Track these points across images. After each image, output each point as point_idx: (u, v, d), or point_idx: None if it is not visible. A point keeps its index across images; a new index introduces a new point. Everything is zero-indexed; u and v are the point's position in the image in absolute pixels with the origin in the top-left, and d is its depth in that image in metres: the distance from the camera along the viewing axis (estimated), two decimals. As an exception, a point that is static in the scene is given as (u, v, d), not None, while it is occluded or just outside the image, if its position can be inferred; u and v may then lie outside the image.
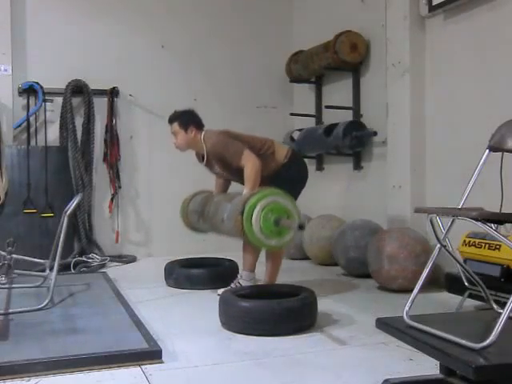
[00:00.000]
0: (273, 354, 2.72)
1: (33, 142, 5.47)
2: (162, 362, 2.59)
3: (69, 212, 3.62)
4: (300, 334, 3.02)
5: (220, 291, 3.83)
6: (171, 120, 3.99)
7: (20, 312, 3.26)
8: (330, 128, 5.17)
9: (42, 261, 4.08)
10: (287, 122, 6.17)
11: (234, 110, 6.07)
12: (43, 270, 3.97)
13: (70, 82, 5.52)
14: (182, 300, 3.94)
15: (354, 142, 4.98)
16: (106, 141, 5.71)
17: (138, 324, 3.05)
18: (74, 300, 3.70)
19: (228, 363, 2.62)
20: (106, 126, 5.72)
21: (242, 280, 3.91)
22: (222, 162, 3.78)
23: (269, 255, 3.88)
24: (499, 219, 2.15)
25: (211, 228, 3.98)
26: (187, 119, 3.93)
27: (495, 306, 2.34)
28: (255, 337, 2.96)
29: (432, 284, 3.71)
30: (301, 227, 3.29)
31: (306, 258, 5.41)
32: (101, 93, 5.65)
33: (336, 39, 5.04)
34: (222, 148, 3.72)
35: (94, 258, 5.28)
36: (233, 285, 3.91)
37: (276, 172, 3.82)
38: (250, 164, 3.63)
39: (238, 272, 4.19)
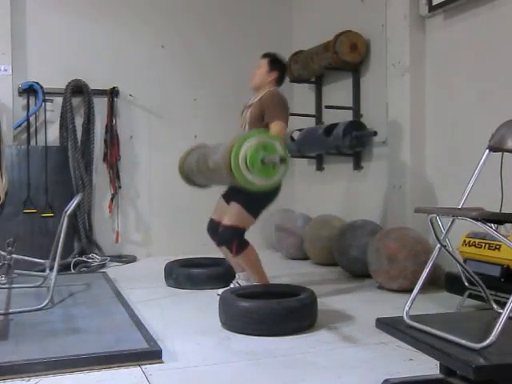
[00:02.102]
0: (273, 353, 2.72)
1: (33, 142, 5.48)
2: (161, 362, 2.59)
3: (69, 212, 3.62)
4: (300, 333, 3.02)
5: (220, 291, 3.83)
6: (266, 55, 4.00)
7: (20, 312, 3.26)
8: (330, 128, 5.17)
9: (41, 261, 4.08)
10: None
11: (234, 110, 6.05)
12: (43, 270, 3.97)
13: (70, 82, 5.52)
14: (182, 300, 3.94)
15: (353, 142, 4.98)
16: (105, 141, 5.71)
17: (138, 324, 3.05)
18: (73, 300, 3.70)
19: (228, 363, 2.62)
20: (106, 126, 5.72)
21: (241, 280, 3.92)
22: (259, 112, 3.76)
23: (243, 265, 3.83)
24: (499, 219, 2.15)
25: (206, 179, 3.89)
26: (277, 66, 3.95)
27: (495, 306, 2.34)
28: (255, 337, 2.96)
29: (432, 284, 3.71)
30: (282, 160, 3.25)
31: (306, 258, 5.42)
32: (101, 93, 5.65)
33: (336, 39, 5.04)
34: (274, 102, 3.74)
35: (94, 258, 5.28)
36: (232, 285, 3.92)
37: None
38: (277, 127, 3.64)
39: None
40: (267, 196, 3.72)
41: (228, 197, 3.88)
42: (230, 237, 3.66)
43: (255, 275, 3.80)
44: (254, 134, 3.39)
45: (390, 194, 4.68)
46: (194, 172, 3.92)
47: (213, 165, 3.54)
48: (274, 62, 3.95)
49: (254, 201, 3.68)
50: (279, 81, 3.97)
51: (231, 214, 3.68)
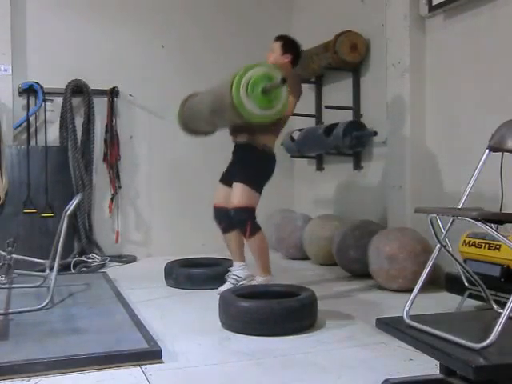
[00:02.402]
0: (273, 354, 2.72)
1: (33, 142, 5.47)
2: (162, 362, 2.59)
3: (69, 212, 3.62)
4: (300, 333, 3.02)
5: (219, 289, 3.86)
6: (279, 38, 4.02)
7: (20, 312, 3.25)
8: (330, 128, 5.17)
9: (42, 261, 4.08)
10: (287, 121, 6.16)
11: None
12: (43, 270, 3.97)
13: (70, 82, 5.52)
14: (182, 300, 3.94)
15: (353, 141, 4.98)
16: (105, 141, 5.71)
17: (138, 324, 3.05)
18: (73, 300, 3.70)
19: (228, 363, 2.63)
20: (106, 126, 5.72)
21: (236, 271, 3.92)
22: None
23: (252, 249, 3.82)
24: (499, 219, 2.15)
25: (207, 121, 3.92)
26: (290, 49, 3.98)
27: (495, 306, 2.34)
28: (255, 337, 2.96)
29: (432, 284, 3.71)
30: (283, 80, 3.34)
31: (306, 258, 5.41)
32: (101, 93, 5.65)
33: (336, 39, 5.04)
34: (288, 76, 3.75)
35: (94, 258, 5.28)
36: (228, 279, 3.91)
37: (261, 152, 3.80)
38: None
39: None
40: (266, 168, 3.80)
41: (227, 179, 3.90)
42: (244, 217, 3.68)
43: (260, 261, 3.79)
44: (261, 64, 3.47)
45: (390, 194, 4.68)
46: (194, 117, 3.95)
47: (215, 98, 3.58)
48: (287, 44, 3.97)
49: (255, 175, 3.75)
50: (294, 63, 4.00)
51: (237, 195, 3.70)
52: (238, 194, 3.70)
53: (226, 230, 3.94)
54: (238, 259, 3.98)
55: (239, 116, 3.41)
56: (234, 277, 3.90)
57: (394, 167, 4.65)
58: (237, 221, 3.75)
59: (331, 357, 2.67)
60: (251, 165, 3.78)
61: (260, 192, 3.77)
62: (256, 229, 3.74)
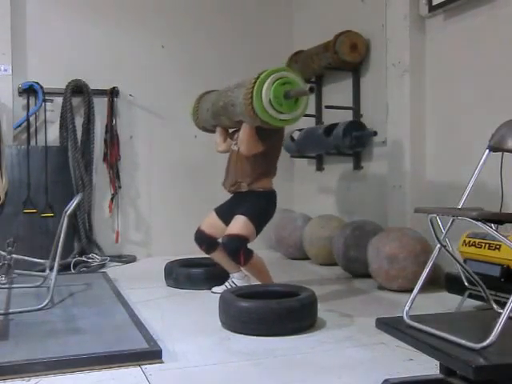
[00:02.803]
0: (273, 353, 2.72)
1: (33, 142, 5.47)
2: (162, 362, 2.59)
3: (69, 212, 3.62)
4: (300, 333, 3.02)
5: (214, 289, 3.88)
6: None
7: (20, 312, 3.25)
8: (330, 128, 5.17)
9: (42, 261, 4.08)
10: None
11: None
12: (43, 270, 3.97)
13: (70, 82, 5.52)
14: (181, 300, 3.94)
15: (354, 141, 4.98)
16: (105, 141, 5.71)
17: (138, 324, 3.05)
18: (73, 300, 3.70)
19: (228, 363, 2.62)
20: (106, 126, 5.72)
21: (236, 280, 3.94)
22: None
23: (251, 272, 3.88)
24: (499, 219, 2.15)
25: (222, 120, 3.98)
26: None
27: (495, 306, 2.34)
28: (255, 337, 2.96)
29: (432, 284, 3.71)
30: (311, 90, 3.38)
31: (306, 258, 5.41)
32: (101, 93, 5.65)
33: (336, 39, 5.04)
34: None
35: (94, 258, 5.28)
36: (227, 284, 3.93)
37: (264, 194, 3.86)
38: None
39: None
40: (269, 210, 3.87)
41: (223, 215, 3.93)
42: (237, 246, 3.70)
43: (261, 278, 3.85)
44: (277, 69, 3.50)
45: (389, 194, 4.68)
46: (208, 113, 4.03)
47: (230, 101, 3.62)
48: None
49: (259, 214, 3.79)
50: None
51: (237, 226, 3.73)
52: (239, 225, 3.73)
53: (208, 250, 4.01)
54: (235, 269, 3.99)
55: (256, 117, 3.46)
56: (233, 284, 3.91)
57: (394, 167, 4.65)
58: (229, 249, 3.75)
59: (331, 357, 2.67)
60: (256, 204, 3.82)
61: (258, 232, 3.82)
62: (249, 255, 3.75)
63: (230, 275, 4.01)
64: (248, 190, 3.85)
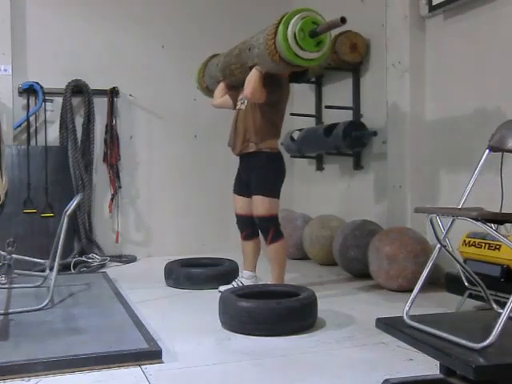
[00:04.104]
0: (273, 354, 2.72)
1: (33, 142, 5.48)
2: (161, 362, 2.59)
3: (69, 212, 3.62)
4: (300, 333, 3.02)
5: (221, 288, 3.86)
6: None
7: (20, 312, 3.25)
8: (330, 128, 5.16)
9: (42, 261, 4.08)
10: (287, 121, 6.15)
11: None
12: (43, 270, 3.97)
13: (69, 82, 5.52)
14: (181, 300, 3.94)
15: (354, 142, 4.98)
16: (105, 141, 5.71)
17: (138, 324, 3.05)
18: (74, 300, 3.69)
19: (228, 363, 2.62)
20: (106, 126, 5.72)
21: (244, 279, 3.95)
22: None
23: (271, 256, 3.89)
24: (499, 219, 2.15)
25: (230, 72, 4.03)
26: None
27: (495, 306, 2.34)
28: (255, 337, 2.96)
29: (432, 284, 3.71)
30: (343, 20, 3.40)
31: (306, 257, 5.41)
32: (101, 93, 5.65)
33: (336, 39, 5.03)
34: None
35: (94, 258, 5.28)
36: (234, 283, 3.94)
37: (271, 156, 3.89)
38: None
39: (237, 272, 4.22)
40: (280, 170, 3.92)
41: (241, 191, 4.01)
42: (268, 225, 3.84)
43: (276, 269, 3.87)
44: (299, 9, 3.49)
45: (390, 194, 4.68)
46: (217, 71, 4.13)
47: (247, 46, 3.64)
48: None
49: (272, 183, 3.87)
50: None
51: (258, 207, 3.84)
52: (259, 205, 3.84)
53: (246, 238, 4.05)
54: (250, 267, 4.03)
55: (276, 53, 3.41)
56: (240, 284, 3.91)
57: (394, 167, 4.65)
58: (261, 228, 3.91)
59: (331, 357, 2.67)
60: (266, 174, 3.87)
61: (278, 197, 3.91)
62: (278, 236, 3.87)
63: (240, 274, 4.02)
64: (256, 149, 3.86)
